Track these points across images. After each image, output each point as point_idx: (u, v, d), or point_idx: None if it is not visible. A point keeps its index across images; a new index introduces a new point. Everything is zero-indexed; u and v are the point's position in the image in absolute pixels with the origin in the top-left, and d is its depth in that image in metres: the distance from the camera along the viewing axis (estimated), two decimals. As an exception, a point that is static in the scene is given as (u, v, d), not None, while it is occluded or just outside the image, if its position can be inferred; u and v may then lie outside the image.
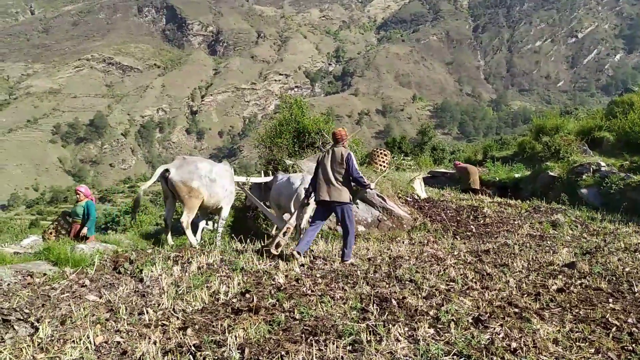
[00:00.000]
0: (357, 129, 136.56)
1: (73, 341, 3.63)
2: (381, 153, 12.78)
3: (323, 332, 3.78)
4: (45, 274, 5.26)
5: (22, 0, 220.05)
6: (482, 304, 4.47)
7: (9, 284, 4.93)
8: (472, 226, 9.46)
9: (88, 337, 3.66)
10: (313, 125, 12.61)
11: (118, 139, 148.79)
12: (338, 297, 4.69)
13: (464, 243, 7.90)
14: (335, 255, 6.70)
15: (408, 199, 10.79)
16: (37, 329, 3.82)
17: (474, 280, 5.36)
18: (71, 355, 3.43)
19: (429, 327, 3.89)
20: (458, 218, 10.24)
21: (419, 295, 4.72)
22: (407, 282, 5.23)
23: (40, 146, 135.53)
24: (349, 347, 3.54)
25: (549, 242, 7.97)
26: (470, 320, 4.06)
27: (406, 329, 3.87)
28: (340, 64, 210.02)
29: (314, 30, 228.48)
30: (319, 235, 8.38)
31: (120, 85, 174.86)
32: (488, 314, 4.18)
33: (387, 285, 5.09)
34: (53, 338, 3.71)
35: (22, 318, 4.00)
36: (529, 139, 19.79)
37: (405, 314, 4.20)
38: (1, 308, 4.13)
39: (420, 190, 11.59)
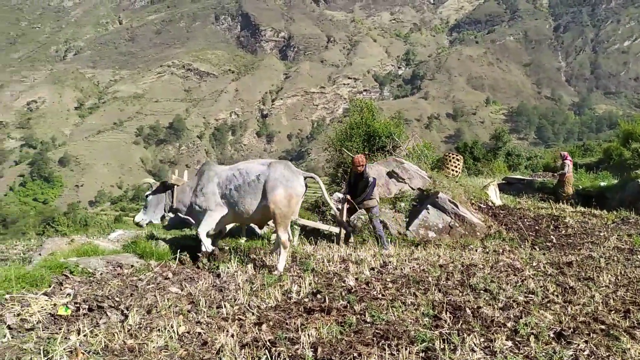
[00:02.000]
0: (427, 133, 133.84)
1: (158, 330, 3.88)
2: (453, 158, 12.44)
3: (395, 336, 3.76)
4: (132, 266, 5.66)
5: (112, 12, 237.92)
6: (565, 319, 4.23)
7: (101, 274, 5.36)
8: (552, 236, 8.95)
9: (172, 327, 3.90)
10: (384, 129, 12.53)
11: (194, 141, 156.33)
12: (409, 303, 4.64)
13: (544, 254, 7.49)
14: (405, 260, 6.61)
15: (481, 205, 10.42)
16: (126, 316, 4.12)
17: (555, 293, 5.08)
18: (157, 343, 3.66)
19: (506, 340, 3.75)
20: (537, 227, 9.73)
21: (495, 306, 4.55)
22: (481, 291, 5.06)
23: (124, 147, 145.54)
24: (421, 354, 3.49)
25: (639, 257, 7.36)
26: (552, 335, 3.86)
27: (482, 339, 3.75)
28: (410, 67, 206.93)
29: (384, 34, 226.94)
30: (389, 240, 8.33)
31: (197, 90, 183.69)
32: (571, 329, 3.95)
33: (461, 294, 4.96)
34: (141, 325, 3.99)
35: (113, 305, 4.34)
36: (616, 145, 18.42)
37: (481, 324, 4.06)
38: (96, 295, 4.50)
39: (495, 197, 11.14)
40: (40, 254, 9.10)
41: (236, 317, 4.23)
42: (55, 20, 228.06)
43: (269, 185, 6.09)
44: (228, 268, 5.75)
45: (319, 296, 4.80)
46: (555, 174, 16.05)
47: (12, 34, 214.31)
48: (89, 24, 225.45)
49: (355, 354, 3.40)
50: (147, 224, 6.71)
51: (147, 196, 6.57)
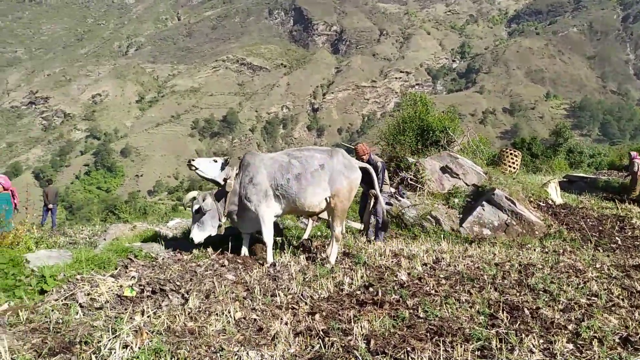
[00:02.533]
0: (481, 128, 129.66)
1: (216, 314, 4.03)
2: (511, 153, 12.00)
3: (449, 333, 3.71)
4: (191, 252, 5.88)
5: (171, 8, 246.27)
6: (632, 324, 4.01)
7: (163, 259, 5.62)
8: (617, 238, 8.47)
9: (229, 312, 4.04)
10: (438, 123, 12.27)
11: (246, 134, 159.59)
12: (463, 300, 4.56)
13: (608, 256, 7.11)
14: (458, 257, 6.48)
15: (541, 203, 10.00)
16: (186, 300, 4.30)
17: (621, 297, 4.82)
18: (215, 326, 3.81)
19: (567, 342, 3.61)
20: (600, 228, 9.24)
21: (555, 308, 4.38)
22: (540, 292, 4.89)
23: (181, 139, 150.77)
24: (477, 352, 3.43)
25: None
26: (617, 340, 3.68)
27: (541, 341, 3.63)
28: (465, 61, 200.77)
29: (438, 26, 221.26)
30: (442, 236, 8.19)
31: (250, 84, 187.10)
32: (639, 335, 3.74)
33: (518, 294, 4.81)
34: (200, 309, 4.15)
35: (174, 289, 4.54)
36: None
37: (540, 326, 3.94)
38: (158, 279, 4.73)
39: (555, 195, 10.66)
40: (105, 239, 9.66)
41: (290, 306, 4.31)
42: (118, 17, 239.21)
43: (332, 176, 5.74)
44: (281, 258, 5.86)
45: (371, 289, 4.81)
46: (624, 173, 15.14)
47: (80, 31, 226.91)
48: (150, 20, 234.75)
49: (408, 348, 3.39)
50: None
51: (197, 212, 5.74)
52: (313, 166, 5.78)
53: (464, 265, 5.97)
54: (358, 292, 4.71)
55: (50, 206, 15.03)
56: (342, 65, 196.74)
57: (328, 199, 5.81)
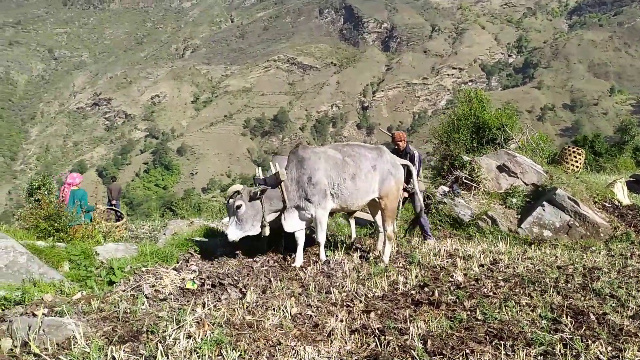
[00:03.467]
0: (539, 125, 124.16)
1: (273, 309, 4.13)
2: (574, 151, 11.44)
3: (510, 337, 3.61)
4: (248, 248, 6.04)
5: (225, 11, 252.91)
6: None
7: (220, 254, 5.80)
8: (693, 242, 7.88)
9: (285, 307, 4.12)
10: (495, 120, 11.88)
11: (296, 133, 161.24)
12: (524, 304, 4.41)
13: (682, 261, 6.63)
14: (517, 259, 6.27)
15: (606, 204, 9.48)
16: (244, 294, 4.43)
17: (698, 305, 4.49)
18: (272, 321, 3.90)
19: (638, 350, 3.41)
20: (673, 231, 8.63)
21: (624, 314, 4.15)
22: (607, 297, 4.64)
23: (233, 138, 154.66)
24: (540, 357, 3.31)
25: None
26: (695, 351, 3.44)
27: (609, 348, 3.45)
28: (522, 55, 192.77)
29: (494, 20, 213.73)
30: (498, 237, 7.94)
31: (300, 83, 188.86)
32: None
33: (583, 298, 4.60)
34: (257, 304, 4.27)
35: (232, 283, 4.69)
36: None
37: (607, 332, 3.74)
38: (217, 273, 4.89)
39: (622, 195, 10.06)
40: (165, 234, 10.09)
41: (344, 304, 4.34)
42: (175, 21, 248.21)
43: (382, 177, 5.59)
44: (335, 256, 5.90)
45: (426, 289, 4.75)
46: None
47: (140, 35, 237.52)
48: (205, 23, 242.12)
49: (467, 350, 3.32)
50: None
51: (238, 207, 5.24)
52: (366, 166, 5.60)
53: (524, 267, 5.76)
54: (413, 292, 4.66)
55: (114, 202, 15.85)
56: (392, 63, 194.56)
57: (377, 199, 5.72)
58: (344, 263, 5.57)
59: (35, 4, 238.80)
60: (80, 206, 7.77)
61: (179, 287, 4.54)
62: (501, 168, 9.94)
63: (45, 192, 10.12)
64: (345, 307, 4.26)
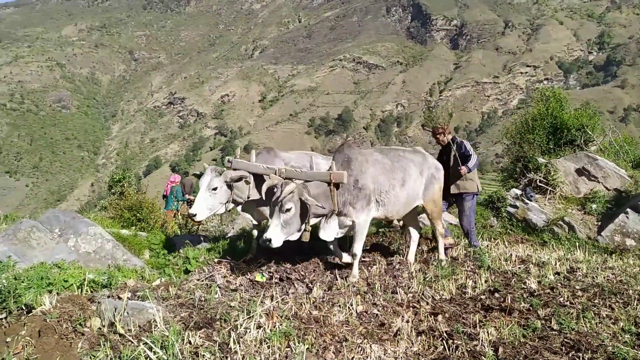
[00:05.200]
0: (622, 127, 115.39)
1: (339, 305, 4.17)
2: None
3: (588, 349, 3.41)
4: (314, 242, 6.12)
5: (293, 11, 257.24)
6: None
7: (288, 249, 5.92)
8: None
9: (351, 305, 4.15)
10: (574, 121, 11.18)
11: (360, 132, 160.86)
12: (604, 315, 4.14)
13: None
14: (597, 268, 5.88)
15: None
16: (310, 290, 4.51)
17: None
18: (338, 317, 3.94)
19: None
20: None
21: None
22: (703, 314, 4.24)
23: (298, 137, 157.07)
24: (623, 373, 3.10)
25: None
26: None
27: None
28: (604, 52, 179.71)
29: (573, 15, 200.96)
30: (576, 245, 7.49)
31: (365, 82, 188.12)
32: None
33: (674, 313, 4.23)
34: (323, 300, 4.33)
35: (299, 278, 4.78)
36: None
37: (702, 352, 3.43)
38: (285, 268, 5.01)
39: None
40: (233, 228, 10.46)
41: (411, 305, 4.30)
42: (245, 22, 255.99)
43: (427, 183, 5.38)
44: (400, 256, 5.84)
45: (496, 295, 4.59)
46: None
47: (212, 36, 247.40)
48: (273, 23, 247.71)
49: (541, 360, 3.18)
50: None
51: (288, 210, 4.40)
52: (414, 172, 5.33)
53: (604, 277, 5.40)
54: (482, 297, 4.52)
55: (187, 196, 16.66)
56: (461, 61, 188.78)
57: (423, 206, 5.54)
58: (410, 264, 5.50)
59: (118, 9, 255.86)
60: (176, 197, 10.98)
61: (249, 279, 4.70)
62: (580, 171, 9.37)
63: (126, 185, 10.95)
64: (411, 308, 4.22)
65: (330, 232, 4.81)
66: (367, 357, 3.23)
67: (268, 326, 3.53)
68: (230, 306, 3.97)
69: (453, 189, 6.16)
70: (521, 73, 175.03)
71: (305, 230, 4.58)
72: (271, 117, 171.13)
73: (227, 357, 3.10)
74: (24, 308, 3.34)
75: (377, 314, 4.08)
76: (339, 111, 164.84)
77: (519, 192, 9.27)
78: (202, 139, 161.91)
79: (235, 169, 5.33)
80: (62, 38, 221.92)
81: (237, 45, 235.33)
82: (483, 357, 3.20)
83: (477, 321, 3.86)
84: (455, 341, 3.49)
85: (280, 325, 3.57)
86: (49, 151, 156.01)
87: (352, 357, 3.21)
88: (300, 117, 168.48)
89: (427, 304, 4.35)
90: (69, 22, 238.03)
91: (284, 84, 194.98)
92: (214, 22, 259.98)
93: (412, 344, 3.52)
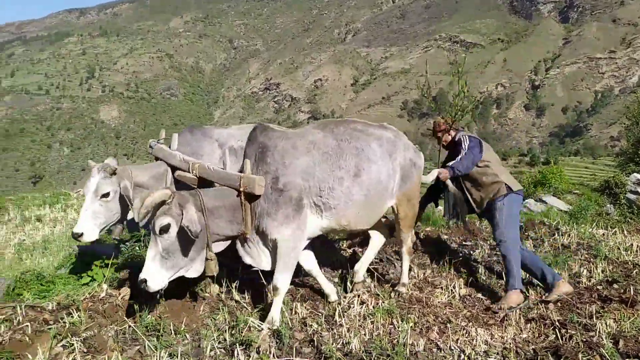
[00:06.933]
0: None
1: (441, 287, 4.13)
2: None
3: None
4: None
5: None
6: None
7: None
8: None
9: (454, 287, 4.10)
10: None
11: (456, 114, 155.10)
12: None
13: None
14: None
15: None
16: (410, 268, 4.51)
17: None
18: (441, 299, 3.91)
19: None
20: None
21: None
22: None
23: (389, 120, 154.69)
24: None
25: None
26: None
27: None
28: None
29: None
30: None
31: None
32: None
33: None
34: (424, 281, 4.32)
35: (399, 259, 4.80)
36: None
37: None
38: (385, 249, 5.06)
39: None
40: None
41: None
42: (338, 6, 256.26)
43: (402, 170, 3.68)
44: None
45: (615, 285, 4.25)
46: None
47: (306, 22, 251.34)
48: (366, 6, 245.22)
49: (672, 358, 2.91)
50: None
51: (165, 231, 2.87)
52: (378, 155, 3.55)
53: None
54: (599, 287, 4.21)
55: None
56: (571, 36, 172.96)
57: (394, 207, 3.79)
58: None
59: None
60: None
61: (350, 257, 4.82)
62: None
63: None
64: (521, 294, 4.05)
65: (260, 258, 3.33)
66: (472, 340, 3.18)
67: (371, 303, 3.60)
68: (334, 282, 4.11)
69: (477, 202, 4.20)
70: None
71: (207, 259, 3.08)
72: (363, 100, 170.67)
73: (332, 329, 3.23)
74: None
75: (481, 298, 3.99)
76: (433, 93, 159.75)
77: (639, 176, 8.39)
78: (296, 123, 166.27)
79: (156, 158, 3.98)
80: (170, 30, 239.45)
81: (330, 30, 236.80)
82: (602, 349, 3.00)
83: (594, 312, 3.61)
84: (569, 331, 3.30)
85: (383, 303, 3.63)
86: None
87: (457, 339, 3.17)
88: (393, 100, 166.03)
89: (536, 291, 4.15)
90: (176, 14, 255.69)
91: (377, 66, 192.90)
92: (308, 7, 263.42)
93: (521, 330, 3.40)
